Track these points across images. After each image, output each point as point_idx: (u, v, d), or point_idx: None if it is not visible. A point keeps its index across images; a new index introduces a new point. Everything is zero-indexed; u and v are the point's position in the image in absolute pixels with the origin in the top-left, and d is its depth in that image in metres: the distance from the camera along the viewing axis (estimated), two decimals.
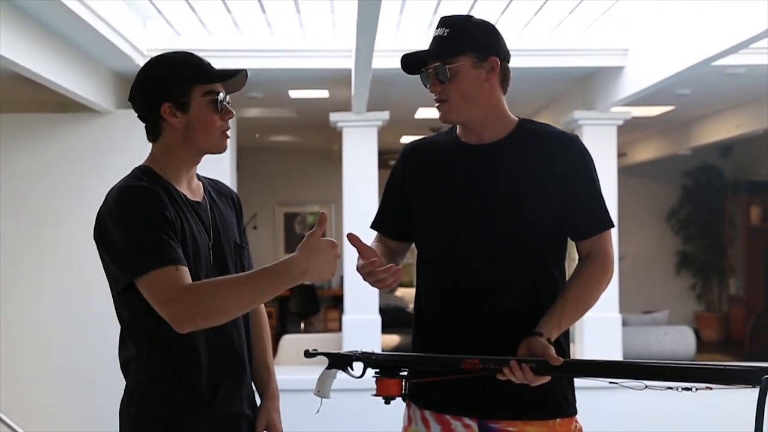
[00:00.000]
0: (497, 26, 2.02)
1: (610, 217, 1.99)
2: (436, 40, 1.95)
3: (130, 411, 1.78)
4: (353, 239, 1.87)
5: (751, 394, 1.62)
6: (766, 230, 8.91)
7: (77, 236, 5.08)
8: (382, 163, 6.15)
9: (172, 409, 1.74)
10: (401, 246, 2.12)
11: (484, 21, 2.00)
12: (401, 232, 2.09)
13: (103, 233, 1.72)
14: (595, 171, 1.99)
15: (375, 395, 1.87)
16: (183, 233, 1.73)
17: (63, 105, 5.22)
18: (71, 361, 5.09)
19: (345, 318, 5.63)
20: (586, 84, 5.71)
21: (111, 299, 1.79)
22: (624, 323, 5.87)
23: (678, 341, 5.82)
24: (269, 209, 10.17)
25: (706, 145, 8.02)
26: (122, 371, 1.81)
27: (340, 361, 1.90)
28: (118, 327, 1.80)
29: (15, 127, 5.17)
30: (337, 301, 9.70)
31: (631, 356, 5.75)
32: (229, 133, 1.84)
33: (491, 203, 1.94)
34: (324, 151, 9.66)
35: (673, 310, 8.59)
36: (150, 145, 1.86)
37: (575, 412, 1.95)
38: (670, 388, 1.71)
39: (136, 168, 1.81)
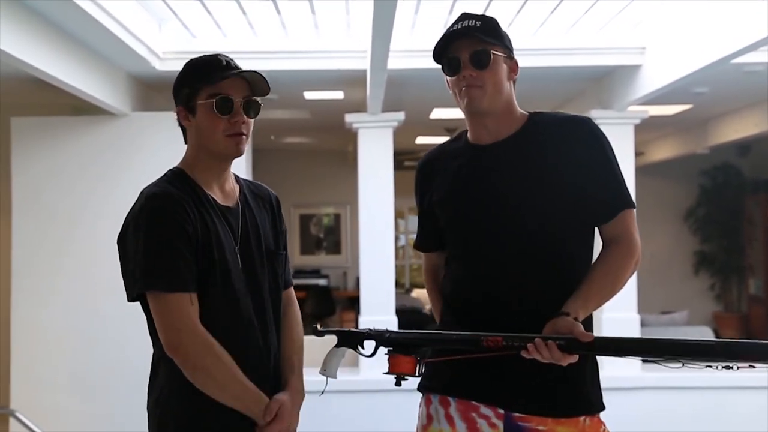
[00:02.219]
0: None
1: (631, 198, 1.94)
2: (471, 29, 1.91)
3: (156, 412, 1.78)
4: None
5: None
6: None
7: (92, 240, 5.10)
8: (398, 164, 6.13)
9: (196, 413, 1.74)
10: (438, 257, 2.14)
11: None
12: (440, 245, 2.11)
13: (124, 236, 1.74)
14: (612, 151, 1.95)
15: (386, 373, 1.81)
16: (207, 237, 1.73)
17: (78, 108, 5.24)
18: (84, 364, 5.10)
19: (361, 319, 5.61)
20: (603, 83, 5.67)
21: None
22: (642, 324, 5.81)
23: None
24: (284, 211, 10.03)
25: (724, 143, 7.94)
26: (151, 370, 1.81)
27: (350, 339, 1.86)
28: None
29: (31, 130, 5.19)
30: (352, 303, 9.70)
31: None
32: (243, 136, 1.80)
33: (511, 201, 1.92)
34: (339, 153, 9.66)
35: (692, 311, 8.51)
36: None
37: (603, 408, 1.93)
38: (710, 365, 1.66)
39: (169, 170, 1.83)
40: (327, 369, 1.86)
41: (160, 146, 5.14)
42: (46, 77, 4.07)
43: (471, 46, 1.91)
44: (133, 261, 1.71)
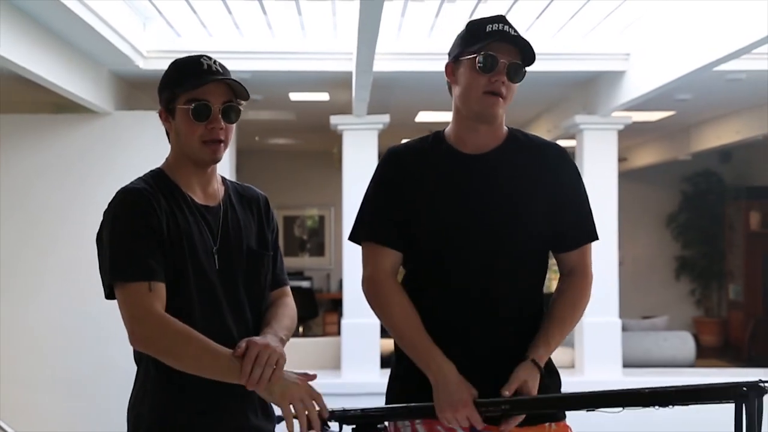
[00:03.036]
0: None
1: (593, 231, 1.99)
2: (517, 40, 1.88)
3: (131, 415, 1.77)
4: None
5: None
6: (765, 236, 8.91)
7: (75, 238, 5.06)
8: None
9: (170, 417, 1.72)
10: (398, 259, 1.95)
11: None
12: (400, 243, 1.94)
13: (98, 233, 1.74)
14: (582, 183, 2.00)
15: None
16: (178, 235, 1.72)
17: (61, 106, 5.20)
18: (67, 364, 5.05)
19: (344, 322, 5.61)
20: (587, 88, 5.70)
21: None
22: (624, 328, 5.84)
23: (678, 347, 5.80)
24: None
25: (706, 150, 8.01)
26: (136, 364, 1.81)
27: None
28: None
29: (12, 127, 5.15)
30: (335, 305, 9.68)
31: (631, 362, 5.73)
32: (221, 144, 1.77)
33: (500, 210, 1.92)
34: (323, 154, 9.64)
35: (672, 316, 8.58)
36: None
37: (565, 416, 1.94)
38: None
39: (150, 170, 1.81)
40: None
41: (143, 145, 5.11)
42: (28, 74, 4.03)
43: (512, 55, 1.87)
44: (102, 257, 1.72)
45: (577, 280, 1.95)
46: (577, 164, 2.10)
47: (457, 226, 1.93)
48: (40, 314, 5.09)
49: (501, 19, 1.92)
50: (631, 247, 9.36)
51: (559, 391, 1.95)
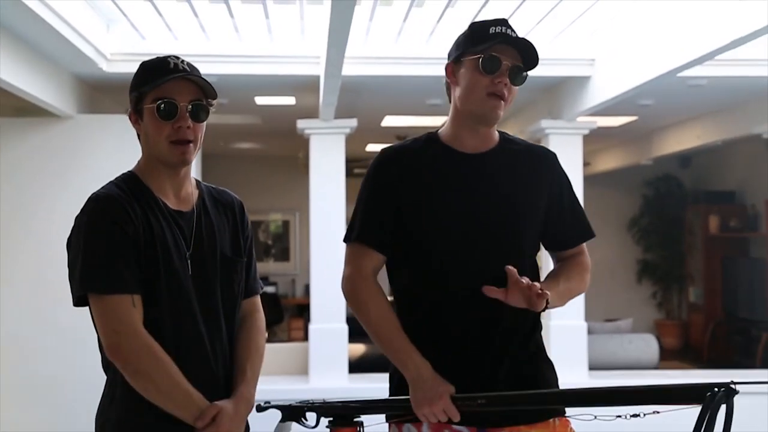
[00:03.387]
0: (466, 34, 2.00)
1: (590, 230, 2.08)
2: (520, 43, 1.88)
3: (98, 421, 1.74)
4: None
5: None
6: (724, 239, 9.08)
7: (36, 245, 4.95)
8: (348, 172, 6.10)
9: (136, 422, 1.69)
10: (381, 261, 1.97)
11: None
12: (387, 246, 1.95)
13: (69, 240, 1.71)
14: (572, 186, 2.05)
15: None
16: (152, 241, 1.68)
17: (21, 109, 5.09)
18: (27, 372, 4.93)
19: (311, 327, 5.57)
20: (552, 93, 5.75)
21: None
22: (589, 331, 5.90)
23: (642, 349, 5.87)
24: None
25: (667, 155, 8.14)
26: (105, 372, 1.78)
27: (293, 413, 1.86)
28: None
29: None
30: (301, 310, 9.62)
31: (596, 364, 5.79)
32: (189, 144, 1.73)
33: (495, 210, 1.93)
34: (289, 159, 9.58)
35: (634, 318, 8.68)
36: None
37: (565, 411, 1.93)
38: (620, 416, 1.74)
39: (122, 173, 1.78)
40: None
41: (106, 149, 5.03)
42: None
43: (516, 58, 1.87)
44: (74, 265, 1.67)
45: (580, 257, 2.05)
46: None
47: (455, 225, 1.92)
48: (1, 322, 4.96)
49: (504, 22, 1.93)
50: (594, 250, 9.27)
51: (557, 386, 1.95)
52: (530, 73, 1.95)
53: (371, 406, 1.89)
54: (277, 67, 4.88)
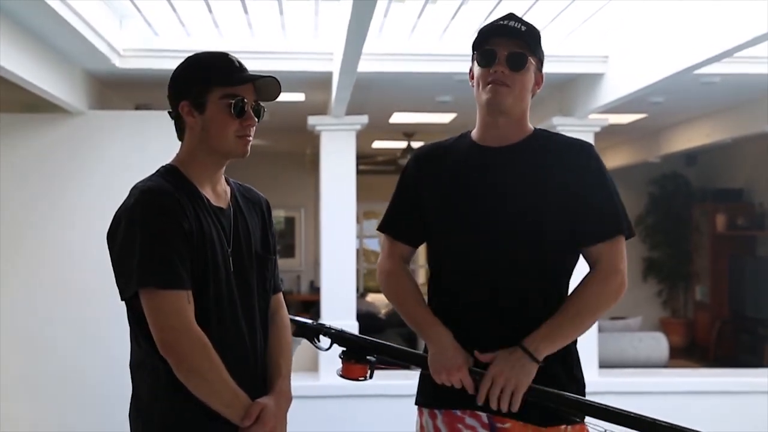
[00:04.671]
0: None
1: (620, 225, 1.96)
2: (516, 31, 1.94)
3: (138, 420, 1.72)
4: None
5: None
6: (731, 237, 9.07)
7: (46, 241, 4.94)
8: None
9: (181, 423, 1.68)
10: (409, 251, 2.12)
11: None
12: (413, 237, 2.09)
13: (115, 233, 1.68)
14: (611, 179, 1.99)
15: (339, 375, 1.91)
16: (202, 238, 1.69)
17: (30, 105, 5.07)
18: (33, 369, 4.92)
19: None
20: (563, 90, 5.74)
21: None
22: (599, 329, 5.89)
23: (652, 348, 5.87)
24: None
25: (675, 153, 8.13)
26: (131, 374, 1.76)
27: (307, 331, 1.94)
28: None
29: None
30: (306, 307, 9.61)
31: (607, 362, 5.78)
32: (250, 138, 1.80)
33: (510, 203, 1.94)
34: (295, 155, 9.58)
35: (640, 315, 8.68)
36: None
37: (583, 419, 1.93)
38: None
39: (162, 166, 1.79)
40: None
41: (117, 145, 5.03)
42: (1, 71, 3.91)
43: (511, 46, 1.93)
44: (128, 259, 1.65)
45: (595, 274, 1.93)
46: None
47: (466, 217, 1.97)
48: (9, 315, 4.95)
49: (507, 16, 1.99)
50: None
51: (581, 390, 1.94)
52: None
53: (387, 350, 1.93)
54: (290, 63, 4.86)
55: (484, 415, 1.91)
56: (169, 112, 1.83)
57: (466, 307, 1.96)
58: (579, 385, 1.95)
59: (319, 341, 1.92)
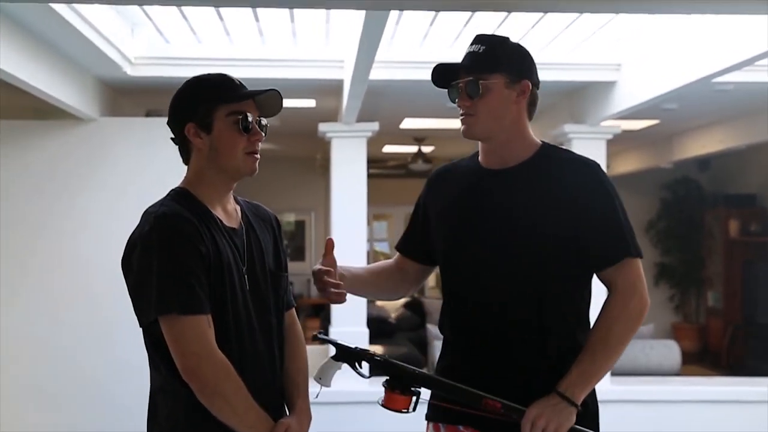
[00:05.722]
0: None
1: (630, 247, 1.92)
2: (471, 55, 1.95)
3: None
4: (329, 243, 1.92)
5: None
6: (744, 243, 9.00)
7: (54, 248, 4.95)
8: None
9: None
10: (423, 269, 2.18)
11: (520, 44, 2.00)
12: (424, 256, 2.14)
13: (133, 259, 1.67)
14: (617, 199, 1.95)
15: (381, 405, 1.83)
16: (219, 259, 1.68)
17: (42, 111, 5.07)
18: (44, 373, 4.93)
19: (332, 330, 5.54)
20: (574, 97, 5.70)
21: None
22: None
23: (664, 355, 5.82)
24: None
25: (688, 159, 8.07)
26: (149, 399, 1.75)
27: (349, 356, 1.87)
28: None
29: None
30: (317, 311, 9.60)
31: (618, 370, 5.74)
32: (258, 155, 1.80)
33: (508, 228, 1.92)
34: (306, 160, 9.58)
35: (653, 322, 8.64)
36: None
37: None
38: None
39: (172, 190, 1.78)
40: (322, 378, 1.89)
41: (128, 152, 5.03)
42: (12, 80, 3.91)
43: (465, 75, 1.95)
44: (146, 285, 1.64)
45: (612, 300, 1.90)
46: None
47: (466, 239, 1.97)
48: (17, 321, 4.96)
49: (472, 40, 2.01)
50: None
51: (588, 425, 1.88)
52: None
53: (436, 384, 1.86)
54: (301, 71, 4.85)
55: None
56: (172, 139, 1.81)
57: (475, 333, 1.95)
58: (586, 407, 1.92)
59: (361, 367, 1.87)
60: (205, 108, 1.75)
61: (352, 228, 5.41)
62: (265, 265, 1.83)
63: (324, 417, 5.15)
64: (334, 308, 5.59)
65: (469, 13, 4.14)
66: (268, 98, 1.78)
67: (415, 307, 8.40)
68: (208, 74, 1.82)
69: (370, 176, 5.69)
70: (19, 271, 4.98)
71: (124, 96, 5.49)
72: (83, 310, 4.85)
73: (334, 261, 1.90)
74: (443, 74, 1.99)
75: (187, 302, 1.61)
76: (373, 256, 11.27)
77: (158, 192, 1.80)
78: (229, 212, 1.82)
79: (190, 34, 4.55)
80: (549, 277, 1.89)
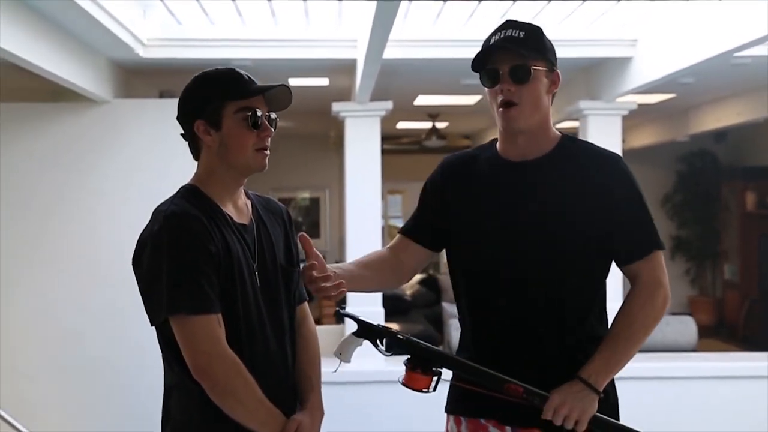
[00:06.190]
0: (507, 16, 2.00)
1: (655, 240, 1.92)
2: (513, 40, 1.86)
3: None
4: (304, 241, 1.82)
5: None
6: (761, 216, 8.94)
7: (73, 229, 4.98)
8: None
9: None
10: (422, 256, 2.11)
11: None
12: (432, 241, 2.08)
13: (143, 258, 1.67)
14: (640, 190, 1.94)
15: (402, 383, 1.82)
16: (229, 257, 1.68)
17: (57, 93, 5.09)
18: (64, 357, 4.99)
19: (347, 310, 5.56)
20: (591, 73, 5.64)
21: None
22: None
23: (680, 331, 5.81)
24: (263, 193, 10.11)
25: (705, 132, 7.99)
26: (164, 396, 1.77)
27: (370, 333, 1.85)
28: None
29: (9, 116, 5.03)
30: None
31: None
32: (268, 151, 1.78)
33: (532, 221, 1.90)
34: (319, 137, 9.56)
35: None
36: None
37: None
38: None
39: (182, 187, 1.77)
40: (342, 353, 1.87)
41: (142, 133, 5.04)
42: (26, 65, 3.92)
43: (511, 59, 1.86)
44: (156, 285, 1.65)
45: (637, 292, 1.90)
46: None
47: (488, 232, 1.94)
48: (36, 303, 5.01)
49: (505, 25, 1.92)
50: None
51: (610, 414, 1.88)
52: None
53: (458, 365, 1.85)
54: (313, 51, 4.82)
55: (508, 428, 1.92)
56: (182, 134, 1.80)
57: (487, 324, 1.94)
58: (607, 397, 1.92)
59: (382, 344, 1.85)
60: (213, 105, 1.73)
61: (366, 207, 5.41)
62: (276, 260, 1.82)
63: (340, 396, 5.23)
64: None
65: None
66: (277, 93, 1.77)
67: (430, 284, 8.41)
68: (216, 69, 1.80)
69: (384, 152, 5.67)
70: (38, 256, 5.02)
71: (138, 77, 5.48)
72: (104, 292, 4.87)
73: (317, 256, 1.82)
74: (482, 58, 1.90)
75: (197, 302, 1.62)
76: (388, 231, 11.28)
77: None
78: (239, 208, 1.81)
79: (202, 15, 4.53)
80: (576, 269, 1.89)
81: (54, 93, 5.15)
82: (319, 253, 1.84)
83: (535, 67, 1.86)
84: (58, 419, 4.91)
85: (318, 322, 8.87)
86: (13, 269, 4.97)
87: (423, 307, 7.89)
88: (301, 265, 1.87)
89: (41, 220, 5.05)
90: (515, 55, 1.85)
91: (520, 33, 1.87)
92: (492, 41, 1.89)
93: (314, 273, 1.78)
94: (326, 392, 1.92)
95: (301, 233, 1.83)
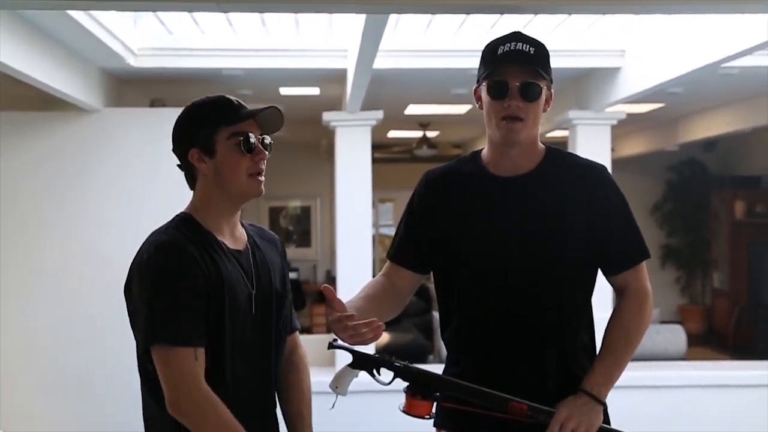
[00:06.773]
0: (497, 27, 1.98)
1: (643, 250, 1.95)
2: (524, 55, 1.83)
3: None
4: (328, 292, 1.75)
5: None
6: (750, 224, 8.99)
7: (65, 239, 4.97)
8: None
9: None
10: (415, 279, 2.05)
11: None
12: (419, 264, 2.02)
13: (130, 286, 1.69)
14: (625, 202, 1.95)
15: (403, 411, 1.80)
16: (220, 284, 1.67)
17: (48, 102, 5.08)
18: (58, 366, 4.97)
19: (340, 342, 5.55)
20: (579, 83, 5.68)
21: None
22: None
23: (670, 340, 5.83)
24: (254, 203, 9.99)
25: (694, 141, 8.04)
26: (144, 426, 1.76)
27: (366, 363, 1.81)
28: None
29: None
30: (322, 296, 9.58)
31: None
32: (263, 175, 1.77)
33: (528, 236, 1.90)
34: (311, 146, 9.58)
35: (657, 303, 8.62)
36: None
37: None
38: None
39: (177, 215, 1.77)
40: (339, 386, 1.83)
41: (133, 142, 5.04)
42: (16, 74, 3.92)
43: (523, 75, 1.83)
44: (139, 315, 1.66)
45: (628, 302, 1.91)
46: None
47: (485, 250, 1.91)
48: (31, 316, 4.98)
49: (514, 36, 1.88)
50: None
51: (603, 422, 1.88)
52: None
53: (458, 388, 1.82)
54: (304, 60, 4.84)
55: None
56: (178, 165, 1.80)
57: (483, 338, 1.93)
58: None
59: (379, 374, 1.81)
60: (206, 132, 1.73)
61: (357, 216, 5.41)
62: (272, 284, 1.81)
63: (344, 406, 5.21)
64: (340, 292, 5.58)
65: None
66: (268, 115, 1.75)
67: (421, 293, 8.41)
68: (207, 97, 1.79)
69: (375, 161, 5.68)
70: (30, 265, 5.00)
71: (128, 86, 5.48)
72: (97, 302, 4.84)
73: (342, 305, 1.75)
74: (492, 68, 1.85)
75: (174, 334, 1.61)
76: (379, 239, 11.29)
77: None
78: (236, 236, 1.81)
79: (192, 25, 4.54)
80: (570, 280, 1.90)
81: (45, 102, 5.14)
82: (341, 299, 1.77)
83: (543, 86, 1.86)
84: (48, 426, 4.88)
85: (308, 331, 8.87)
86: (2, 278, 4.94)
87: (413, 316, 7.89)
88: (335, 316, 1.76)
89: (32, 228, 5.02)
90: (527, 72, 1.83)
91: (531, 48, 1.84)
92: (500, 51, 1.85)
93: (348, 322, 1.71)
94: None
95: (325, 285, 1.77)
